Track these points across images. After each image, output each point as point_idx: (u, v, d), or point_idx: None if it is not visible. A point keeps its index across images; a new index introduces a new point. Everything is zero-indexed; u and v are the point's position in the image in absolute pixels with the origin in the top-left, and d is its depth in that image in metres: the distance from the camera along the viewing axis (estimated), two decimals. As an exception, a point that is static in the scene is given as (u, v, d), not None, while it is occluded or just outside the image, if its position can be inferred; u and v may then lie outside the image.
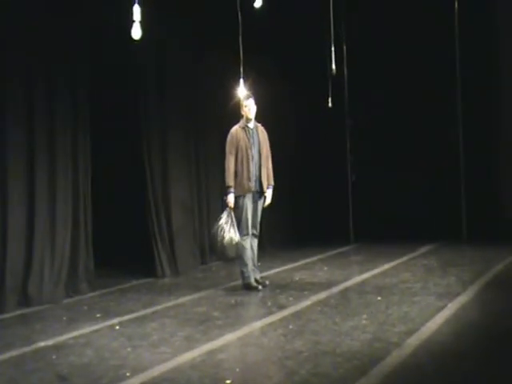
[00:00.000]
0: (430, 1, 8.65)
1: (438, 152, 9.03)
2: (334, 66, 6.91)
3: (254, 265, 5.95)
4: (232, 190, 5.75)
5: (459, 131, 8.61)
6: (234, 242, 5.62)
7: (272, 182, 5.92)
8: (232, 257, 5.76)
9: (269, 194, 5.88)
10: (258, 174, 5.79)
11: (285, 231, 9.08)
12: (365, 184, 9.36)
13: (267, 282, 6.00)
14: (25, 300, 5.48)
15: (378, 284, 5.87)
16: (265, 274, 6.66)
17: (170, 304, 5.45)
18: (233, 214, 5.70)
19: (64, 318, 5.05)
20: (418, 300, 5.12)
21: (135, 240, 7.29)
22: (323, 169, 9.48)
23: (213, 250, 5.97)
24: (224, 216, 5.68)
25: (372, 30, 9.19)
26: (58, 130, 5.82)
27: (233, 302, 5.43)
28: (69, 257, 5.86)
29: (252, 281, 5.86)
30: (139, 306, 5.37)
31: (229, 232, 5.60)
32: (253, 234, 5.88)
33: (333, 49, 6.89)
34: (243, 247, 5.75)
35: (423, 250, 7.95)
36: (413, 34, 8.91)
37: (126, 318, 4.97)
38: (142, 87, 6.84)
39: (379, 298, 5.23)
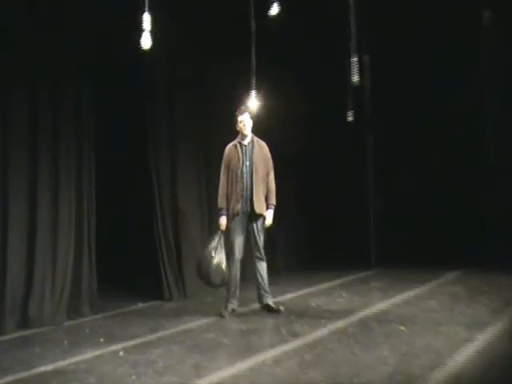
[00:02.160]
0: (457, 11, 8.71)
1: (466, 175, 9.03)
2: (355, 77, 6.94)
3: (264, 290, 5.98)
4: (224, 212, 5.83)
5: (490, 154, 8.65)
6: (220, 268, 5.67)
7: (273, 202, 5.88)
8: (217, 284, 5.80)
9: (269, 214, 5.85)
10: (249, 194, 5.76)
11: (301, 254, 9.11)
12: (387, 205, 9.37)
13: (282, 308, 6.02)
14: (24, 322, 5.55)
15: (400, 312, 5.85)
16: (279, 299, 6.67)
17: (177, 329, 5.48)
18: (223, 237, 5.77)
19: (65, 342, 5.10)
20: (444, 330, 5.10)
21: (141, 259, 7.35)
22: (343, 189, 9.51)
23: (198, 276, 5.92)
24: (215, 240, 5.76)
25: (396, 36, 9.26)
26: (61, 143, 5.91)
27: (244, 328, 5.44)
28: (71, 276, 5.93)
29: (224, 309, 5.90)
30: (144, 331, 5.40)
31: (216, 257, 5.66)
32: (256, 257, 5.92)
33: (354, 58, 6.93)
34: (228, 272, 5.79)
35: (448, 276, 7.93)
36: (439, 42, 8.99)
37: (130, 343, 5.01)
38: (149, 98, 6.93)
39: (402, 328, 5.22)
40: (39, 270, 5.67)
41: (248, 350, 4.73)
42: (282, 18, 6.69)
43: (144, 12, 4.52)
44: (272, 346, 4.85)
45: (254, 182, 5.75)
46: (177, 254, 6.96)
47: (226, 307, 5.94)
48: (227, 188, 5.83)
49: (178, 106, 7.16)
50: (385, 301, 6.46)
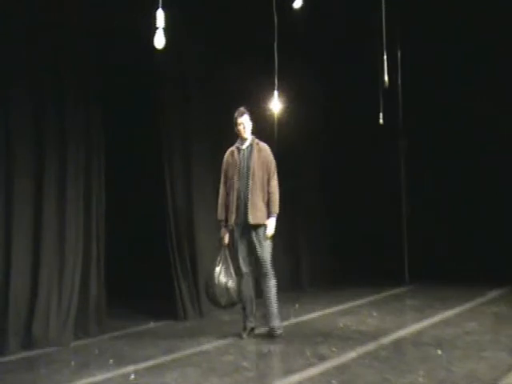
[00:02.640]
0: (493, 8, 8.65)
1: (509, 181, 8.94)
2: (386, 77, 6.90)
3: (269, 311, 5.77)
4: (223, 223, 5.79)
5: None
6: (227, 287, 5.61)
7: (275, 210, 5.72)
8: (226, 305, 5.72)
9: (270, 223, 5.69)
10: (245, 203, 5.66)
11: (327, 269, 9.09)
12: (422, 216, 9.30)
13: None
14: (29, 341, 5.57)
15: (437, 335, 5.76)
16: (304, 318, 6.62)
17: (192, 351, 5.45)
18: (228, 252, 5.71)
19: (72, 363, 5.10)
20: (487, 355, 5.00)
21: (153, 275, 7.36)
22: (373, 198, 9.47)
23: (206, 297, 5.86)
24: (219, 256, 5.70)
25: (430, 34, 9.21)
26: (68, 153, 5.94)
27: (265, 350, 5.40)
28: (78, 293, 5.94)
29: (242, 329, 5.84)
30: (157, 352, 5.38)
31: (222, 275, 5.61)
32: (261, 273, 5.72)
33: (385, 57, 6.89)
34: (240, 290, 5.74)
35: (492, 294, 7.82)
36: (478, 41, 8.92)
37: (142, 365, 4.99)
38: (162, 108, 6.94)
39: (439, 352, 5.13)
40: (44, 286, 5.69)
41: (269, 375, 4.67)
42: (306, 13, 6.69)
43: (158, 8, 4.51)
44: (296, 370, 4.79)
45: (250, 189, 5.66)
46: (192, 269, 6.95)
47: (244, 327, 5.90)
48: (226, 198, 5.79)
49: (192, 115, 7.16)
50: (420, 321, 6.37)
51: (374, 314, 6.84)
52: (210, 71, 7.32)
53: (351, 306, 7.40)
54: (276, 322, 5.78)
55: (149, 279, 7.50)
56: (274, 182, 5.78)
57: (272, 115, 6.92)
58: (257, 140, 5.87)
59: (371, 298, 7.86)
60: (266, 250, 5.70)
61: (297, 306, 7.44)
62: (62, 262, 5.84)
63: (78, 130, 6.05)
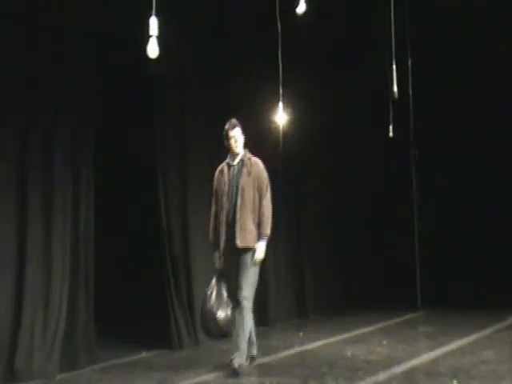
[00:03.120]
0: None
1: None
2: (395, 88, 6.94)
3: (236, 344, 5.50)
4: (214, 247, 5.67)
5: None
6: (220, 316, 5.45)
7: (266, 232, 5.53)
8: (220, 335, 5.59)
9: (259, 247, 5.49)
10: (233, 224, 5.50)
11: (333, 293, 9.10)
12: (435, 234, 9.30)
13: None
14: (11, 374, 5.50)
15: (452, 364, 5.75)
16: (308, 347, 6.60)
17: (188, 382, 5.42)
18: (220, 278, 5.55)
19: (57, 398, 5.09)
20: (506, 386, 4.99)
21: (146, 301, 7.35)
22: (382, 214, 9.48)
23: (201, 327, 5.77)
24: (211, 283, 5.58)
25: (443, 41, 9.28)
26: (55, 179, 5.95)
27: (267, 383, 5.38)
28: (65, 321, 5.89)
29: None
30: (150, 385, 5.35)
31: (214, 304, 5.45)
32: (236, 302, 5.48)
33: (394, 66, 6.94)
34: (232, 322, 5.51)
35: (510, 320, 7.81)
36: (494, 47, 8.97)
37: (133, 399, 4.98)
38: (159, 111, 6.97)
39: (454, 382, 5.10)
40: (28, 313, 5.63)
41: (271, 409, 4.67)
42: (311, 20, 6.74)
43: (151, 16, 4.55)
44: (300, 403, 4.78)
45: (238, 210, 5.47)
46: (187, 294, 6.94)
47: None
48: (216, 219, 5.65)
49: (190, 129, 7.17)
50: (434, 349, 6.36)
51: (385, 342, 6.82)
52: (210, 82, 7.35)
53: (359, 334, 7.38)
54: (240, 360, 5.46)
55: (141, 304, 7.48)
56: (267, 202, 5.58)
57: (277, 127, 6.95)
58: (249, 155, 5.69)
59: (381, 325, 7.85)
60: (249, 277, 5.45)
61: (301, 333, 7.43)
62: (48, 288, 5.81)
63: (66, 146, 6.06)
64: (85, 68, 6.23)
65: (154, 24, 4.46)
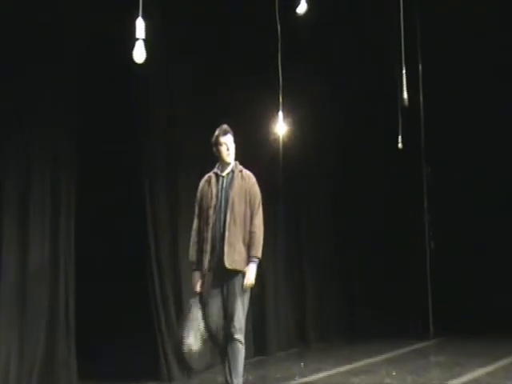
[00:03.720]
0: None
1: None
2: (405, 95, 6.98)
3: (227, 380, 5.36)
4: (195, 266, 5.39)
5: None
6: (193, 350, 5.18)
7: (257, 254, 5.33)
8: (201, 369, 5.41)
9: (250, 270, 5.28)
10: (221, 243, 5.28)
11: (338, 320, 9.08)
12: (449, 256, 9.31)
13: None
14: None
15: (468, 397, 5.76)
16: (310, 379, 6.58)
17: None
18: (200, 304, 5.29)
19: None
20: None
21: (132, 329, 7.31)
22: (391, 234, 9.49)
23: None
24: (190, 309, 5.30)
25: (454, 45, 9.34)
26: (33, 194, 5.97)
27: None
28: (43, 352, 5.88)
29: None
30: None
31: (192, 333, 5.20)
32: (228, 334, 5.27)
33: (404, 71, 6.98)
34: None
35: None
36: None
37: None
38: (145, 123, 6.98)
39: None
40: (2, 347, 5.63)
41: None
42: (313, 22, 6.80)
43: (137, 17, 4.58)
44: None
45: (227, 226, 5.26)
46: (178, 321, 6.91)
47: None
48: (200, 235, 5.40)
49: (178, 148, 7.15)
50: (447, 381, 6.33)
51: (393, 374, 6.80)
52: (200, 94, 7.37)
53: (366, 364, 7.37)
54: None
55: (126, 335, 7.43)
56: (258, 220, 5.38)
57: (276, 140, 6.97)
58: (240, 167, 5.50)
59: (389, 355, 7.86)
60: (240, 306, 5.27)
61: (302, 364, 7.41)
62: (24, 313, 5.80)
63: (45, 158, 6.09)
64: (65, 76, 6.27)
65: (140, 26, 4.47)
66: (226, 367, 5.32)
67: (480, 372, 6.70)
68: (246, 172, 5.51)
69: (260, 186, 5.58)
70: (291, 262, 8.58)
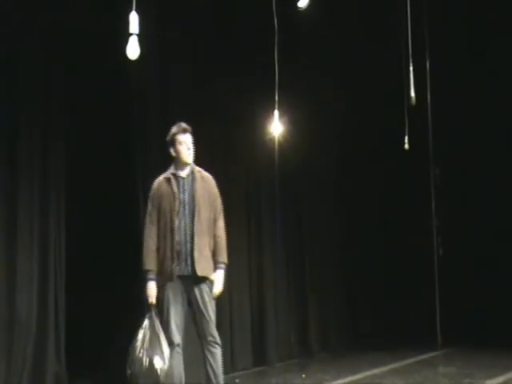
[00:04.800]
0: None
1: None
2: (412, 93, 6.93)
3: None
4: (152, 275, 5.17)
5: None
6: (152, 368, 4.95)
7: (224, 259, 5.29)
8: None
9: (218, 277, 5.23)
10: (189, 249, 5.16)
11: (341, 329, 9.05)
12: (458, 264, 9.29)
13: None
14: None
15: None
16: (313, 390, 6.56)
17: None
18: (155, 316, 5.09)
19: None
20: None
21: (124, 346, 7.19)
22: (397, 241, 9.46)
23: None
24: (143, 323, 5.09)
25: (464, 39, 9.31)
26: (20, 200, 5.95)
27: None
28: (31, 366, 5.86)
29: None
30: None
31: (147, 350, 4.97)
32: (208, 343, 5.17)
33: (411, 68, 6.94)
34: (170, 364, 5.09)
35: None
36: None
37: None
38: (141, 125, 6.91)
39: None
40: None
41: None
42: (313, 14, 6.73)
43: (131, 11, 4.52)
44: None
45: (195, 231, 5.15)
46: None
47: None
48: (157, 241, 5.20)
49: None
50: (457, 394, 6.33)
51: (400, 386, 6.80)
52: (198, 93, 7.32)
53: (370, 375, 7.32)
54: None
55: (118, 347, 7.33)
56: (222, 223, 5.34)
57: (272, 140, 6.92)
58: (198, 168, 5.36)
59: (395, 365, 7.83)
60: (211, 313, 5.20)
61: (303, 375, 7.36)
62: (12, 326, 5.79)
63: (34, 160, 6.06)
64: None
65: (134, 21, 4.42)
66: (210, 372, 5.17)
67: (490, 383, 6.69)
68: (205, 173, 5.37)
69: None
70: (291, 266, 8.53)
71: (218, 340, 5.19)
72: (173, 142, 5.26)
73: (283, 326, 8.26)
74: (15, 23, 5.92)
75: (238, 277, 7.52)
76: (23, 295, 5.88)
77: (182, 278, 5.12)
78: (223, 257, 5.25)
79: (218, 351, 5.18)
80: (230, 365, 7.43)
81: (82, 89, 6.85)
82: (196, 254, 5.10)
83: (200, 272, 5.10)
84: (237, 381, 7.21)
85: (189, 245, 5.13)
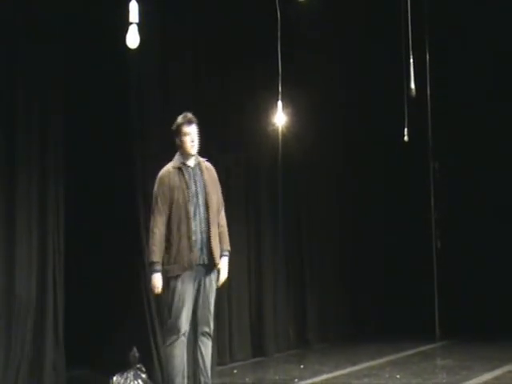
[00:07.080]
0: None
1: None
2: (412, 85, 6.95)
3: (204, 379, 5.26)
4: (159, 267, 5.14)
5: None
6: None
7: (228, 247, 5.35)
8: None
9: (224, 264, 5.28)
10: (205, 237, 5.20)
11: (339, 320, 9.08)
12: (456, 256, 9.33)
13: None
14: None
15: (476, 402, 5.75)
16: (310, 381, 6.56)
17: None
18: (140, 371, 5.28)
19: None
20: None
21: (125, 343, 7.18)
22: (396, 234, 9.48)
23: None
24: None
25: (465, 32, 9.31)
26: (18, 197, 5.97)
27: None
28: (30, 353, 5.89)
29: None
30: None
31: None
32: (202, 334, 5.20)
33: (411, 60, 6.96)
34: (170, 355, 5.14)
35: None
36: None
37: None
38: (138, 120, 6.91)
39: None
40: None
41: None
42: (315, 8, 6.78)
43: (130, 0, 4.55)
44: None
45: (210, 220, 5.21)
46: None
47: None
48: (166, 232, 5.18)
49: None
50: (454, 385, 6.35)
51: (397, 377, 6.77)
52: (200, 87, 7.35)
53: (368, 367, 7.34)
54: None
55: (119, 348, 7.33)
56: (224, 212, 5.44)
57: (275, 130, 6.95)
58: (201, 158, 5.41)
59: (393, 357, 7.82)
60: (213, 302, 5.25)
61: (302, 366, 7.41)
62: (10, 321, 5.82)
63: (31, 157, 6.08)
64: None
65: (134, 10, 4.44)
66: (200, 362, 5.21)
67: (488, 376, 6.66)
68: (208, 163, 5.43)
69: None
70: (291, 260, 8.56)
71: (211, 331, 5.23)
72: (178, 133, 5.28)
73: (282, 317, 8.32)
74: (15, 23, 5.95)
75: (237, 268, 7.52)
76: (22, 283, 5.91)
77: (197, 266, 5.15)
78: (227, 244, 5.34)
79: (210, 343, 5.25)
80: (228, 356, 7.50)
81: (81, 88, 6.88)
82: (213, 243, 5.17)
83: (217, 260, 5.19)
84: (235, 371, 7.28)
85: (204, 234, 5.19)
